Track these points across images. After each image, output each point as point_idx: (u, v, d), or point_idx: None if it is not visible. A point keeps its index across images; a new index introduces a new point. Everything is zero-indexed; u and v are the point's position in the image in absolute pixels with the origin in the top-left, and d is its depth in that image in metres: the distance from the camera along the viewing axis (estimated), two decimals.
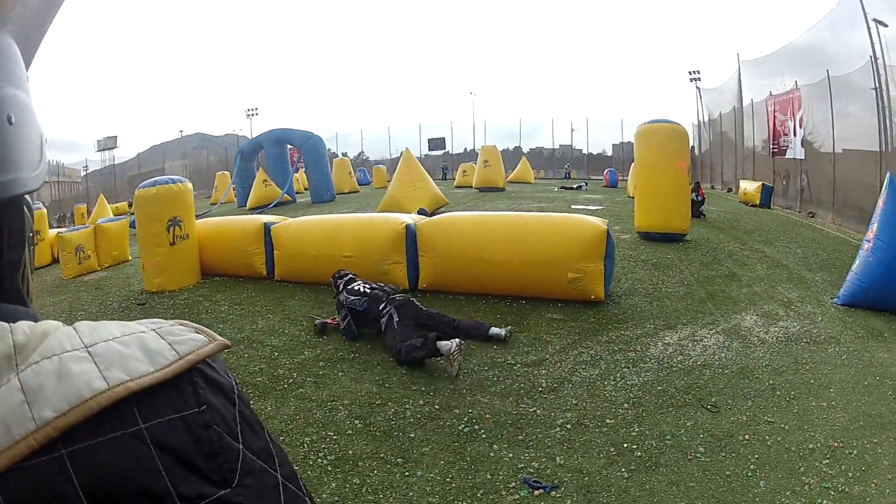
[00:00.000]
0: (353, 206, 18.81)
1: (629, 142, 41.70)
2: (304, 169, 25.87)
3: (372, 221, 7.99)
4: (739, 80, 23.99)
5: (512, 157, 34.98)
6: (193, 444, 0.48)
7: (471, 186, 24.65)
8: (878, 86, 12.54)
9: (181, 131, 55.50)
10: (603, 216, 7.68)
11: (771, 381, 4.59)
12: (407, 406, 4.33)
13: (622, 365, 4.95)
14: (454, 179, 30.30)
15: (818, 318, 6.15)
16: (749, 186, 19.07)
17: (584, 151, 44.15)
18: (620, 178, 29.11)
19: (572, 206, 16.27)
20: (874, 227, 6.40)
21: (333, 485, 3.35)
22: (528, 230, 6.94)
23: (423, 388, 4.62)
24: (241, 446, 0.51)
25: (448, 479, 3.36)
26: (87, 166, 49.35)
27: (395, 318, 5.36)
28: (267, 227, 8.56)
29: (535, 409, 4.22)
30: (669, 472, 3.37)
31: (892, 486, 3.15)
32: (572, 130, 44.51)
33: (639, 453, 3.57)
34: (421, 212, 12.04)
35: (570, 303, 6.52)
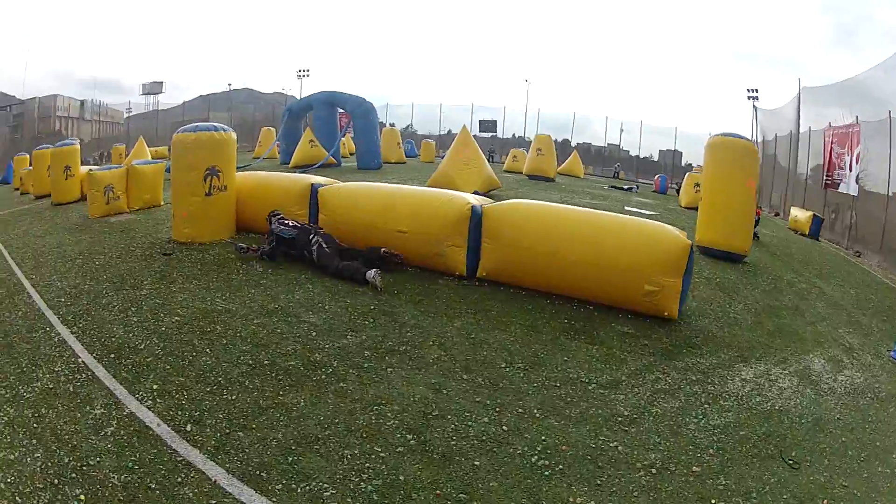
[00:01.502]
0: (400, 176, 17.77)
1: (679, 150, 40.77)
2: (352, 134, 25.20)
3: (434, 197, 7.10)
4: (798, 106, 22.96)
5: (560, 148, 34.15)
6: None
7: (520, 172, 23.98)
8: None
9: (230, 84, 53.82)
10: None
11: (843, 439, 4.38)
12: (469, 423, 3.67)
13: (702, 400, 4.60)
14: (501, 163, 29.39)
15: (877, 370, 5.86)
16: (800, 215, 18.18)
17: (632, 153, 43.14)
18: (670, 185, 28.15)
19: (625, 208, 15.74)
20: None
21: None
22: (606, 231, 6.18)
23: (488, 402, 4.00)
24: None
25: None
26: (130, 109, 49.19)
27: (325, 247, 6.62)
28: (314, 189, 7.78)
29: (615, 443, 3.76)
30: None
31: None
32: (622, 131, 43.42)
33: None
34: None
35: (640, 316, 5.93)
